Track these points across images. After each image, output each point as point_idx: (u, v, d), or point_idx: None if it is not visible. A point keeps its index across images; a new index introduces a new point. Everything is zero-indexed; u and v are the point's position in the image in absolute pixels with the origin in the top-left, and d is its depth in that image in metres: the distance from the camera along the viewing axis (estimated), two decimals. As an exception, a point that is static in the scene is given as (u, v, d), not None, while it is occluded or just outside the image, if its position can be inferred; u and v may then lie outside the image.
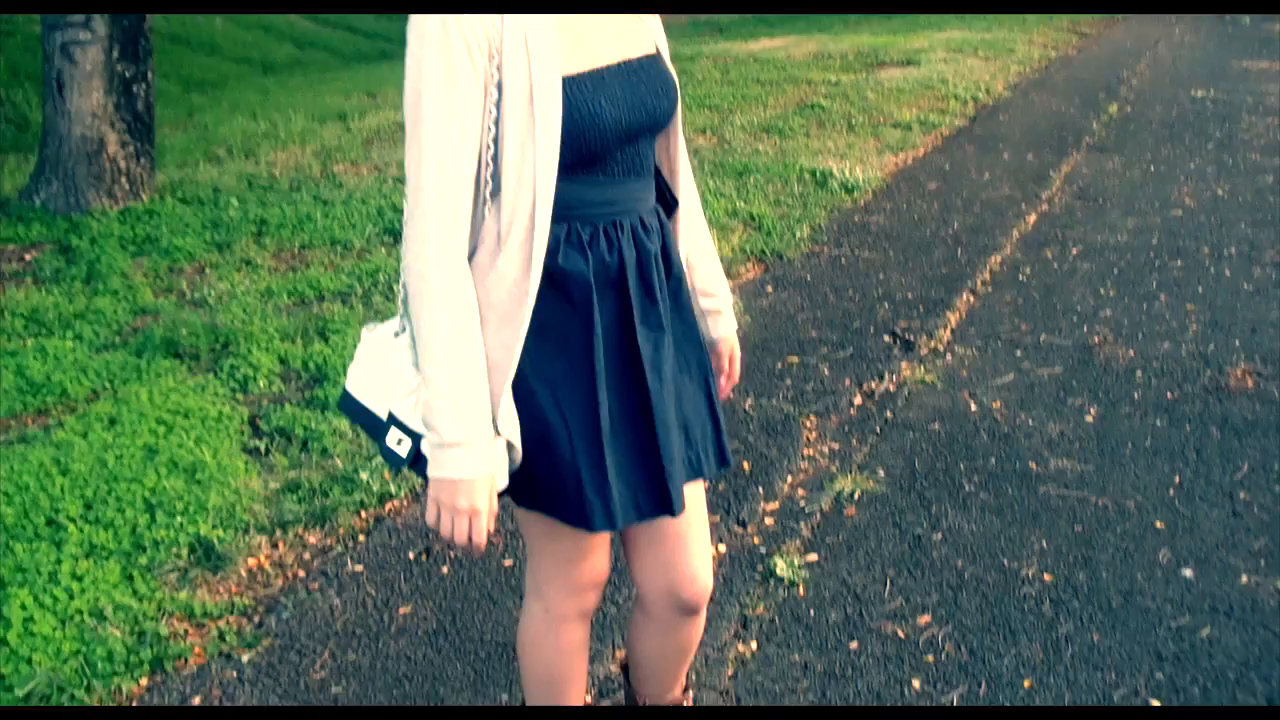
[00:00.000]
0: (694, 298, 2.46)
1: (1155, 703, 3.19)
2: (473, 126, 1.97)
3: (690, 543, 2.43)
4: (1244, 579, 3.75)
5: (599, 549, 2.39)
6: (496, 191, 2.02)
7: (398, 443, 2.15)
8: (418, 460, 2.14)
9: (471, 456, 2.02)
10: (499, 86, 1.97)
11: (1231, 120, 11.29)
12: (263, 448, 4.67)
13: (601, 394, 2.13)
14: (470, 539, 2.08)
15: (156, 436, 4.64)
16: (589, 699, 2.65)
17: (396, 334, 2.23)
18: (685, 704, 2.73)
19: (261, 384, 5.24)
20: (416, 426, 2.13)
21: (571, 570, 2.38)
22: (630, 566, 2.50)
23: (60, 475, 4.27)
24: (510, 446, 2.10)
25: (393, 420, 2.17)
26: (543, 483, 2.17)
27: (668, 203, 2.34)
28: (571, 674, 2.52)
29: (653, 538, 2.41)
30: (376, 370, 2.24)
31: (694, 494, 2.43)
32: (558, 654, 2.49)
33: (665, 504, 2.23)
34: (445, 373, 2.00)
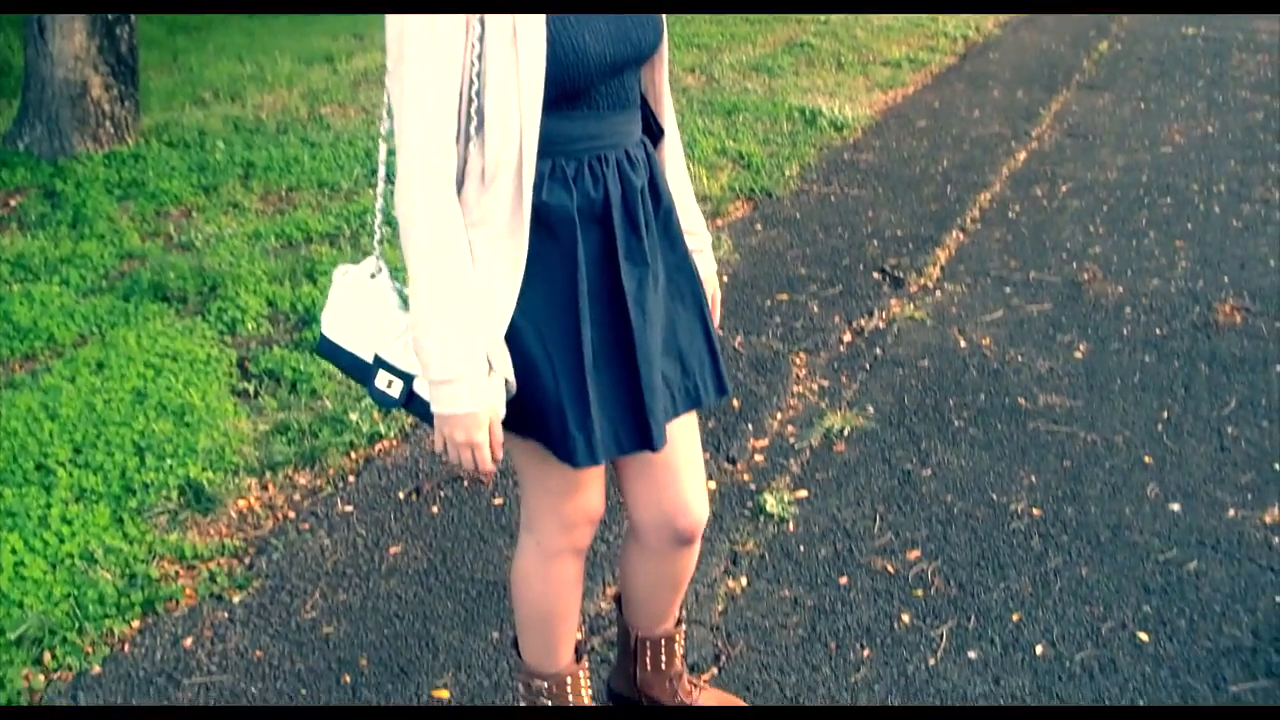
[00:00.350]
0: None
1: (1143, 636, 3.21)
2: (454, 63, 1.95)
3: (683, 474, 2.43)
4: (1231, 513, 3.76)
5: (591, 485, 2.38)
6: (480, 127, 2.00)
7: (388, 385, 2.15)
8: (411, 400, 2.15)
9: (466, 392, 2.02)
10: (481, 22, 1.94)
11: (1222, 57, 11.24)
12: (251, 390, 4.66)
13: (584, 329, 2.13)
14: (477, 467, 2.09)
15: (145, 380, 4.63)
16: (580, 636, 2.64)
17: (373, 275, 2.22)
18: (678, 638, 2.73)
19: (250, 326, 5.22)
20: (407, 367, 2.13)
21: (563, 506, 2.38)
22: (624, 497, 2.50)
23: (48, 420, 4.26)
24: (506, 381, 2.10)
25: (380, 363, 2.17)
26: (530, 416, 2.17)
27: (653, 133, 2.32)
28: (563, 609, 2.52)
29: (645, 468, 2.41)
30: (356, 313, 2.23)
31: (688, 424, 2.43)
32: (549, 589, 2.49)
33: (646, 439, 2.23)
34: (435, 309, 1.99)
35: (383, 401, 2.18)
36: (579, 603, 2.57)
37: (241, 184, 7.33)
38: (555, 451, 2.19)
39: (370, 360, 2.19)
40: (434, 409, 2.05)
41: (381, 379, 2.16)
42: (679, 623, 2.74)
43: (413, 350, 2.07)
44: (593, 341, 2.15)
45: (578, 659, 2.65)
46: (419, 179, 1.96)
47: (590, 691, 2.71)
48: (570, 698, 2.65)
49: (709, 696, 2.87)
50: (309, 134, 8.39)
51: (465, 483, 3.95)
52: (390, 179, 2.12)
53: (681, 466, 2.43)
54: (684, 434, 2.41)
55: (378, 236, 2.31)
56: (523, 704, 2.65)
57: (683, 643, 2.78)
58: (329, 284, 5.33)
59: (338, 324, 2.26)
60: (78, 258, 6.01)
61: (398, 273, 2.20)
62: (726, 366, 2.43)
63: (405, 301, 2.14)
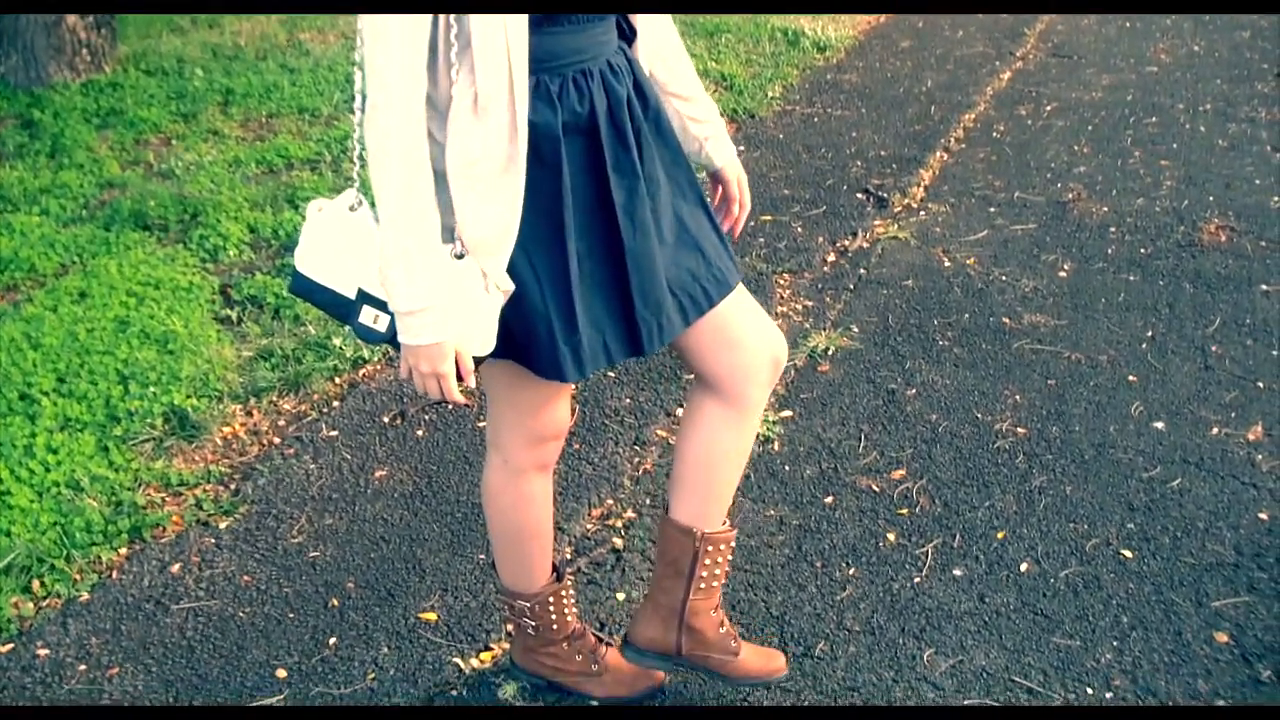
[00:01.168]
0: (685, 126, 2.43)
1: (1127, 553, 3.22)
2: None
3: (756, 317, 2.43)
4: (1214, 431, 3.77)
5: (559, 400, 2.39)
6: (463, 52, 1.96)
7: (374, 320, 2.12)
8: (395, 335, 2.11)
9: (431, 323, 2.01)
10: None
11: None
12: (234, 316, 4.63)
13: (570, 245, 2.11)
14: (444, 396, 2.09)
15: (127, 308, 4.60)
16: (559, 555, 2.65)
17: (353, 208, 2.16)
18: (729, 540, 2.57)
19: (231, 253, 5.19)
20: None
21: (531, 422, 2.39)
22: (707, 366, 2.42)
23: (31, 350, 4.23)
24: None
25: (365, 297, 2.13)
26: (516, 335, 2.16)
27: (625, 34, 2.26)
28: (533, 525, 2.53)
29: (721, 331, 2.37)
30: (335, 248, 2.17)
31: (740, 297, 2.39)
32: (518, 505, 2.50)
33: (636, 345, 2.24)
34: (401, 240, 1.97)
35: (368, 337, 2.14)
36: (550, 519, 2.57)
37: (221, 111, 7.26)
38: (543, 370, 2.19)
39: (353, 296, 2.14)
40: (400, 339, 2.05)
41: (367, 314, 2.12)
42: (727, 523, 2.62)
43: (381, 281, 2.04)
44: (581, 254, 2.14)
45: (558, 578, 2.65)
46: (385, 106, 1.93)
47: (575, 612, 2.71)
48: (553, 618, 2.66)
49: (750, 653, 2.71)
50: (288, 60, 8.30)
51: (450, 406, 3.95)
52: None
53: (748, 319, 2.40)
54: (740, 302, 2.39)
55: (357, 167, 2.25)
56: (509, 628, 2.66)
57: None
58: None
59: (315, 260, 2.19)
60: (57, 187, 5.95)
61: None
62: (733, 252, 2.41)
63: None
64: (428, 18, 1.93)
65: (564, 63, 2.07)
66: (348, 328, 2.26)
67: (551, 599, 2.64)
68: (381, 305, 2.09)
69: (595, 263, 2.17)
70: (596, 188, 2.14)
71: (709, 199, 2.44)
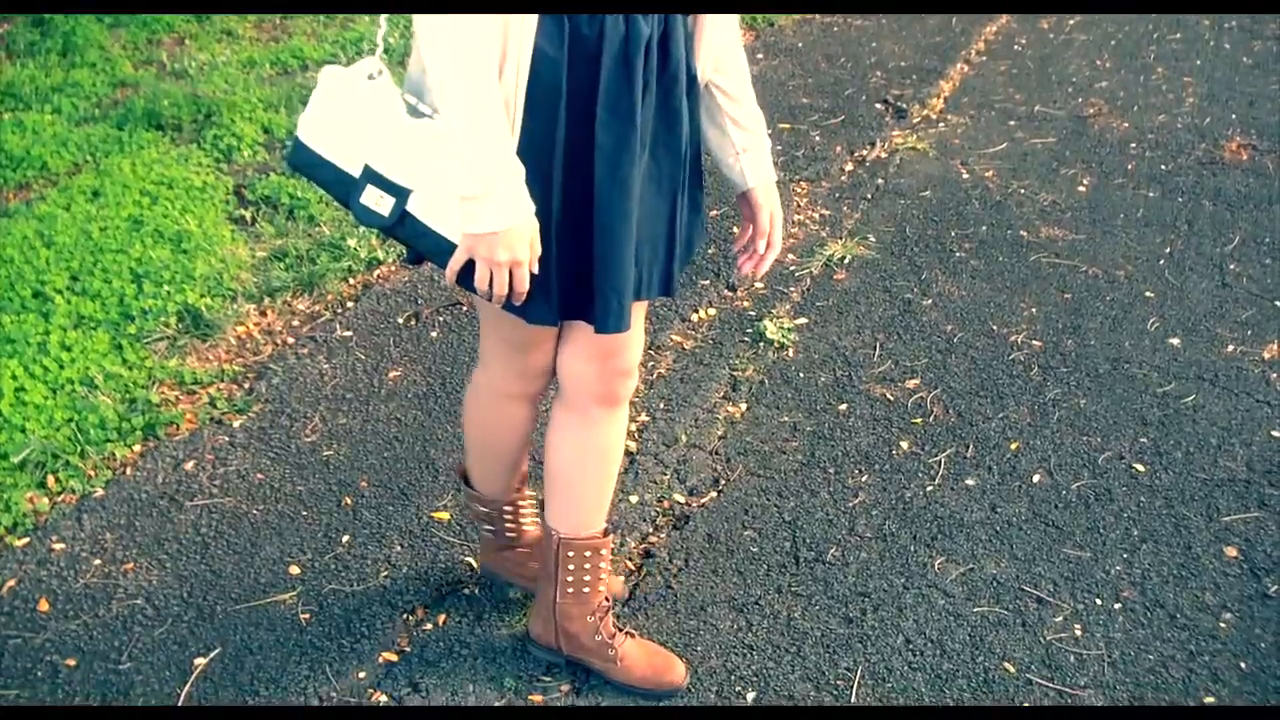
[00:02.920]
0: (725, 129, 2.23)
1: (1139, 466, 3.22)
2: None
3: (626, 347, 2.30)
4: (1230, 348, 3.76)
5: (546, 341, 2.30)
6: None
7: (377, 201, 1.97)
8: (402, 221, 1.98)
9: (508, 203, 1.86)
10: None
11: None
12: (249, 217, 4.62)
13: (555, 183, 1.98)
14: (511, 290, 1.96)
15: (141, 207, 4.58)
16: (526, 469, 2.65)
17: (372, 76, 1.98)
18: (596, 547, 2.50)
19: (245, 154, 5.16)
20: (404, 180, 1.97)
21: (517, 357, 2.33)
22: (556, 360, 2.36)
23: (45, 248, 4.22)
24: None
25: (371, 176, 1.98)
26: None
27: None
28: (508, 445, 2.51)
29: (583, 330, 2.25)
30: (346, 119, 2.00)
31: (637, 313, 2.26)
32: (498, 426, 2.47)
33: (588, 313, 2.13)
34: (472, 114, 1.81)
35: (368, 220, 2.00)
36: (527, 442, 2.54)
37: (235, 11, 7.20)
38: (510, 307, 2.05)
39: (357, 173, 1.99)
40: (473, 229, 1.87)
41: (370, 195, 1.98)
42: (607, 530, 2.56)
43: (442, 166, 1.91)
44: (563, 195, 2.00)
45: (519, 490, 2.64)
46: None
47: (537, 526, 2.68)
48: (508, 527, 2.66)
49: (635, 647, 2.62)
50: (303, -42, 8.22)
51: (464, 307, 3.94)
52: None
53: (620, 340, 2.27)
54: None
55: (383, 30, 2.11)
56: (478, 535, 2.67)
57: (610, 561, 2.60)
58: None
59: (320, 131, 2.02)
60: (69, 86, 5.91)
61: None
62: (680, 268, 2.24)
63: (412, 109, 1.98)
64: None
65: None
66: (350, 212, 2.08)
67: (509, 507, 2.64)
68: (389, 185, 1.97)
69: (574, 211, 2.03)
70: (587, 128, 1.97)
71: (737, 232, 2.30)
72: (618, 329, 2.10)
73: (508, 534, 2.69)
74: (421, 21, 1.80)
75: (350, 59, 6.30)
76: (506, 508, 2.64)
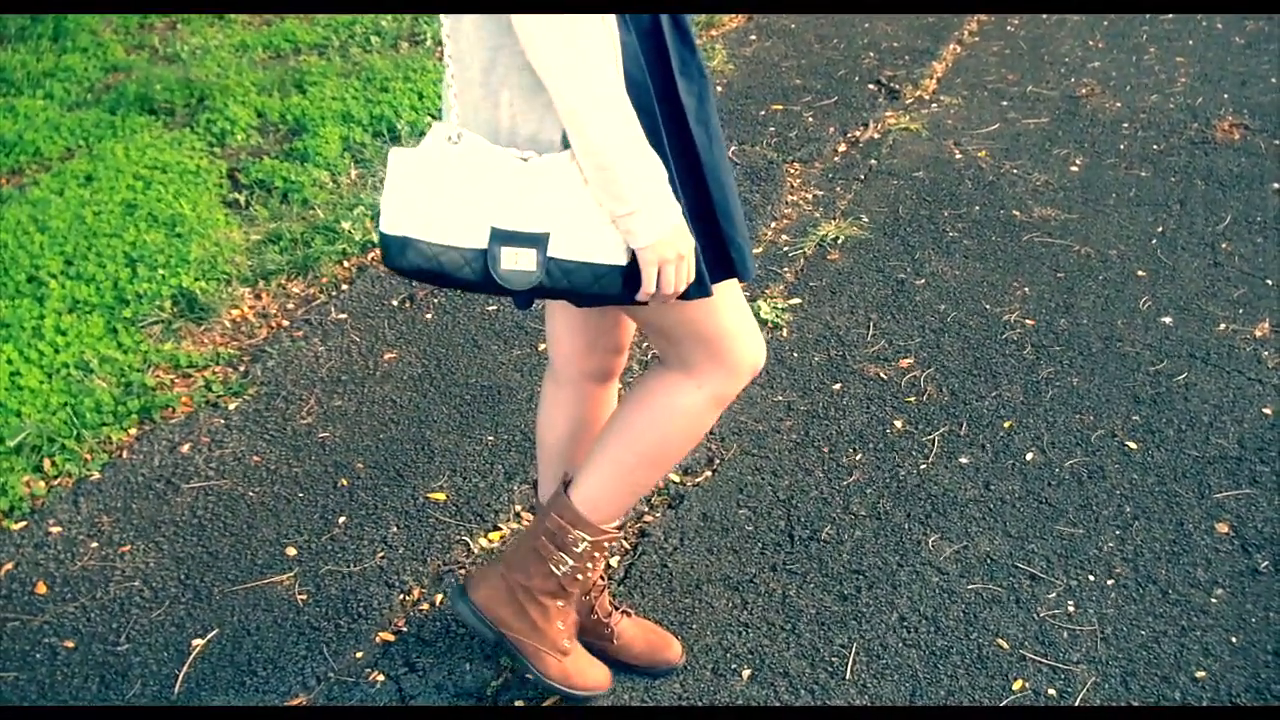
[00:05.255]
0: None
1: (1132, 444, 3.24)
2: None
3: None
4: (1222, 326, 3.77)
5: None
6: None
7: (517, 259, 1.84)
8: (548, 269, 1.86)
9: (665, 205, 1.83)
10: None
11: None
12: (242, 200, 4.62)
13: (670, 164, 1.91)
14: (685, 282, 1.92)
15: (134, 192, 4.58)
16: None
17: (453, 139, 1.86)
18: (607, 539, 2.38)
19: (239, 137, 5.16)
20: (539, 226, 1.85)
21: (738, 347, 2.20)
22: (565, 332, 2.34)
23: (39, 233, 4.22)
24: None
25: (501, 237, 1.85)
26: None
27: None
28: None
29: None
30: (444, 193, 1.86)
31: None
32: (695, 437, 2.30)
33: (729, 268, 2.06)
34: (615, 128, 1.76)
35: (518, 282, 1.86)
36: None
37: (233, 13, 7.19)
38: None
39: (483, 244, 1.85)
40: (640, 241, 1.82)
41: (509, 257, 1.84)
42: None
43: (597, 192, 1.82)
44: (674, 172, 1.93)
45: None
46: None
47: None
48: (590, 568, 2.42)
49: (631, 626, 2.60)
50: (295, -59, 8.20)
51: (460, 290, 3.95)
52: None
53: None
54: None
55: (453, 90, 1.93)
56: (554, 568, 2.34)
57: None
58: (319, 94, 5.26)
59: (419, 218, 1.87)
60: (61, 71, 5.91)
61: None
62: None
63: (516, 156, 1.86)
64: None
65: None
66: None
67: (607, 547, 2.40)
68: (525, 238, 1.84)
69: (678, 177, 1.95)
70: (666, 93, 1.92)
71: None
72: (752, 272, 2.09)
73: (587, 577, 2.41)
74: (545, 61, 1.73)
75: (343, 42, 6.30)
76: (607, 542, 2.40)
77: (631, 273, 1.88)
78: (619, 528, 2.42)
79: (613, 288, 1.88)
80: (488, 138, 1.89)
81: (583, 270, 1.86)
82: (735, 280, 2.12)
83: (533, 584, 2.36)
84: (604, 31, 1.75)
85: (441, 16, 1.96)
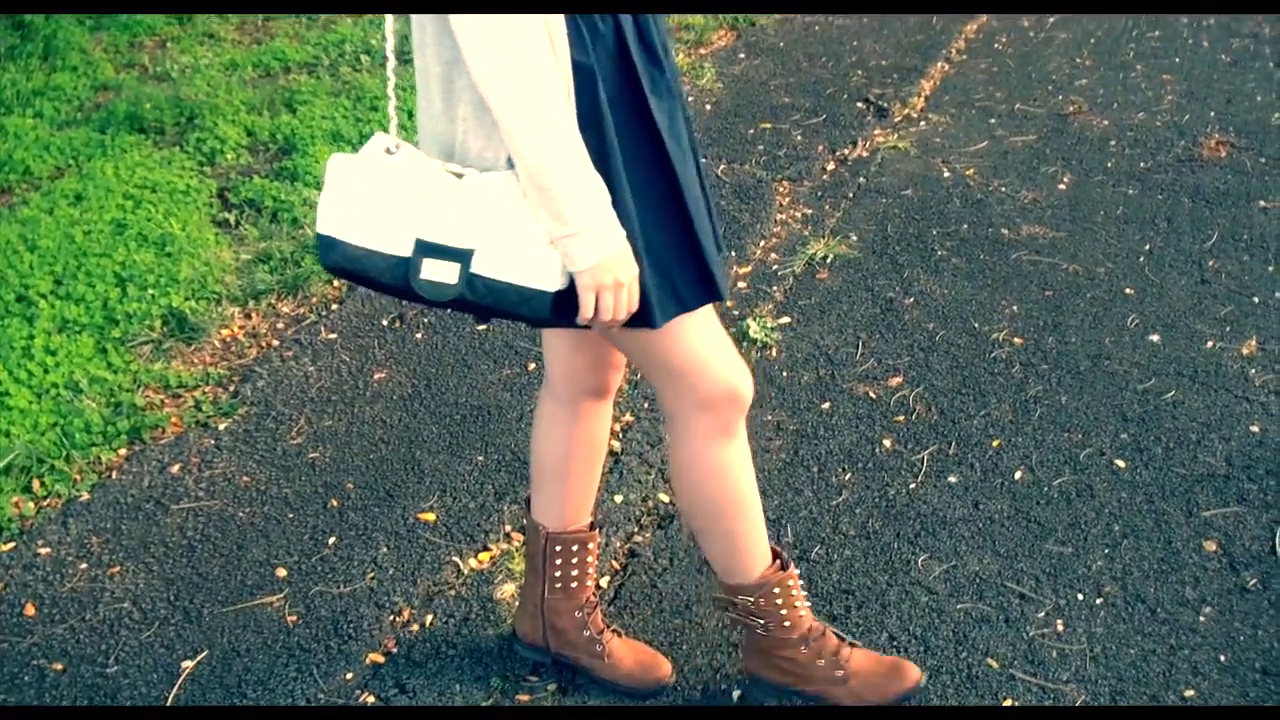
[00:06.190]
0: None
1: (1120, 463, 3.25)
2: None
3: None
4: (1209, 344, 3.78)
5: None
6: None
7: (440, 272, 1.86)
8: (470, 284, 1.86)
9: (612, 225, 1.83)
10: None
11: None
12: (232, 219, 4.62)
13: (620, 183, 1.90)
14: (627, 309, 1.90)
15: (124, 211, 4.58)
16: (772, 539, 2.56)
17: (391, 150, 1.90)
18: (584, 541, 2.50)
19: (229, 156, 5.17)
20: (465, 242, 1.86)
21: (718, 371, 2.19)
22: (557, 354, 2.36)
23: (28, 252, 4.22)
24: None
25: (426, 248, 1.87)
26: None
27: None
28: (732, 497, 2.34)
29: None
30: (376, 201, 1.90)
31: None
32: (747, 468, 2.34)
33: (711, 289, 2.04)
34: (556, 148, 1.75)
35: (435, 294, 1.87)
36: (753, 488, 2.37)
37: (217, 13, 7.20)
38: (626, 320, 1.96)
39: (408, 252, 1.88)
40: (584, 264, 1.82)
41: (430, 268, 1.86)
42: (594, 525, 2.56)
43: (537, 212, 1.80)
44: (634, 194, 1.93)
45: (782, 566, 2.41)
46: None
47: (807, 607, 2.47)
48: (783, 614, 2.42)
49: (622, 646, 2.61)
50: (284, -40, 8.21)
51: (448, 310, 3.95)
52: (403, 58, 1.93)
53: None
54: None
55: (393, 104, 2.00)
56: (779, 630, 2.41)
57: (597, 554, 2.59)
58: (309, 114, 5.27)
59: (351, 222, 1.91)
60: (51, 90, 5.91)
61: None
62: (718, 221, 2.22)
63: (448, 171, 1.88)
64: None
65: None
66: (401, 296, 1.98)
67: (778, 589, 2.39)
68: (449, 252, 1.86)
69: (650, 203, 1.95)
70: (635, 116, 1.92)
71: None
72: (728, 292, 2.05)
73: (784, 625, 2.43)
74: (481, 72, 1.73)
75: (333, 61, 6.31)
76: (775, 588, 2.40)
77: (565, 298, 1.88)
78: (774, 558, 2.41)
79: (540, 311, 1.87)
80: (442, 153, 1.92)
81: (509, 291, 1.86)
82: (709, 308, 2.12)
83: (789, 654, 2.44)
84: (549, 50, 1.74)
85: (388, 30, 2.00)
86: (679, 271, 2.00)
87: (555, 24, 1.76)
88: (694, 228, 1.99)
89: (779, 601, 2.39)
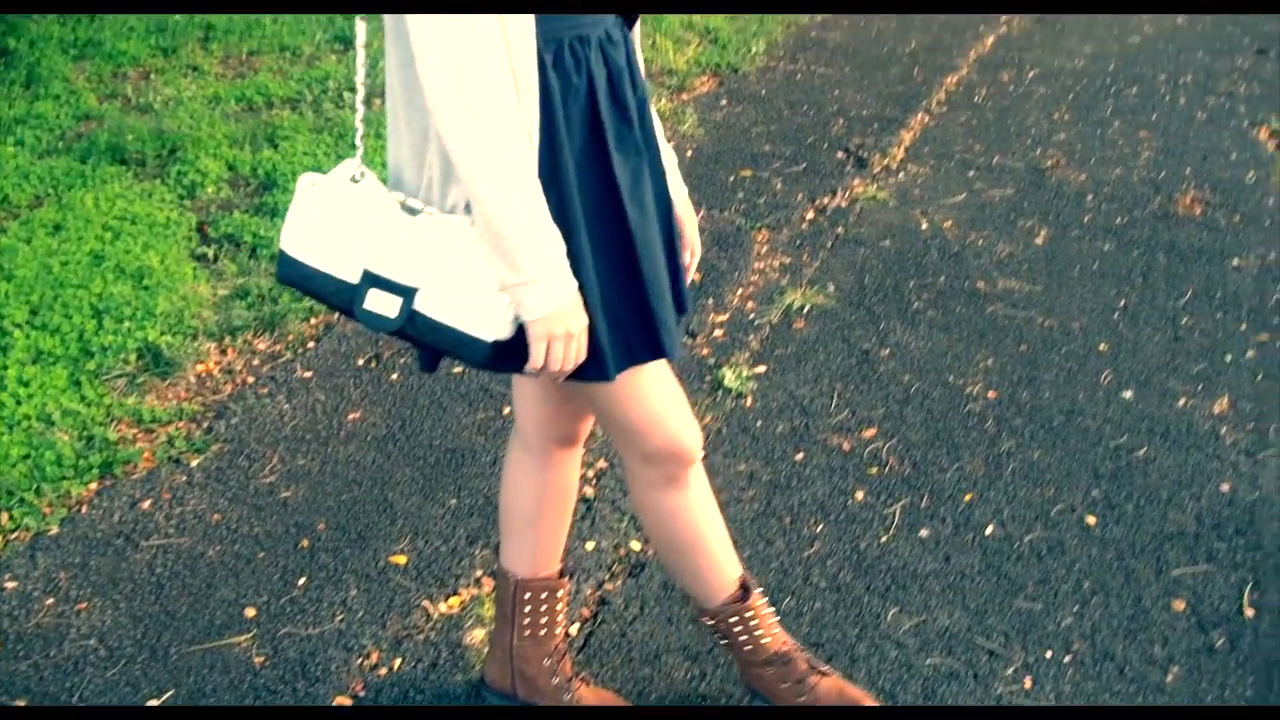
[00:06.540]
0: None
1: (1091, 519, 3.26)
2: None
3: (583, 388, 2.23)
4: (1182, 402, 3.80)
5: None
6: None
7: (383, 304, 1.90)
8: (412, 320, 1.90)
9: (565, 276, 1.85)
10: None
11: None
12: (211, 254, 4.62)
13: (579, 236, 1.91)
14: (575, 360, 1.92)
15: (103, 242, 4.58)
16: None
17: (355, 179, 1.94)
18: (554, 589, 2.52)
19: (210, 190, 5.17)
20: (409, 279, 1.89)
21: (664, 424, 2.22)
22: (525, 403, 2.37)
23: (4, 281, 4.21)
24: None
25: (373, 279, 1.91)
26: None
27: (628, 19, 2.05)
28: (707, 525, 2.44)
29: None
30: (335, 226, 1.94)
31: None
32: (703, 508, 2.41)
33: (658, 347, 2.06)
34: (512, 196, 1.77)
35: (375, 324, 1.91)
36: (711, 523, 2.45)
37: (201, 46, 7.22)
38: (578, 371, 1.98)
39: (356, 280, 1.92)
40: (536, 313, 1.83)
41: (374, 299, 1.90)
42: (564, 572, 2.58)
43: (492, 258, 1.82)
44: (593, 249, 1.94)
45: (744, 595, 2.47)
46: (450, 39, 1.70)
47: (774, 633, 2.53)
48: (744, 639, 2.51)
49: (590, 694, 2.61)
50: (270, -5, 8.24)
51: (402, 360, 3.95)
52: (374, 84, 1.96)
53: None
54: None
55: (359, 133, 2.03)
56: (755, 648, 2.50)
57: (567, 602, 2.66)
58: (291, 149, 5.28)
59: (308, 242, 1.96)
60: (33, 118, 5.91)
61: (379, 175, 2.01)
62: (685, 281, 2.21)
63: (405, 207, 1.91)
64: None
65: (559, 25, 1.85)
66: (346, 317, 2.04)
67: (735, 617, 2.45)
68: (394, 287, 1.89)
69: (605, 257, 1.97)
70: (598, 170, 1.94)
71: None
72: (678, 351, 2.09)
73: (745, 650, 2.52)
74: (442, 119, 1.74)
75: (316, 97, 6.33)
76: (733, 617, 2.47)
77: (510, 345, 1.90)
78: (740, 586, 2.48)
79: (476, 357, 1.90)
80: (409, 190, 1.94)
81: (449, 332, 1.89)
82: (663, 363, 2.14)
83: (757, 673, 2.53)
84: (513, 100, 1.76)
85: (359, 63, 2.04)
86: (633, 327, 2.02)
87: (525, 75, 1.78)
88: (646, 289, 2.01)
89: (738, 628, 2.46)
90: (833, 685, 2.51)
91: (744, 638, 2.48)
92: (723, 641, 2.52)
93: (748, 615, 2.45)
